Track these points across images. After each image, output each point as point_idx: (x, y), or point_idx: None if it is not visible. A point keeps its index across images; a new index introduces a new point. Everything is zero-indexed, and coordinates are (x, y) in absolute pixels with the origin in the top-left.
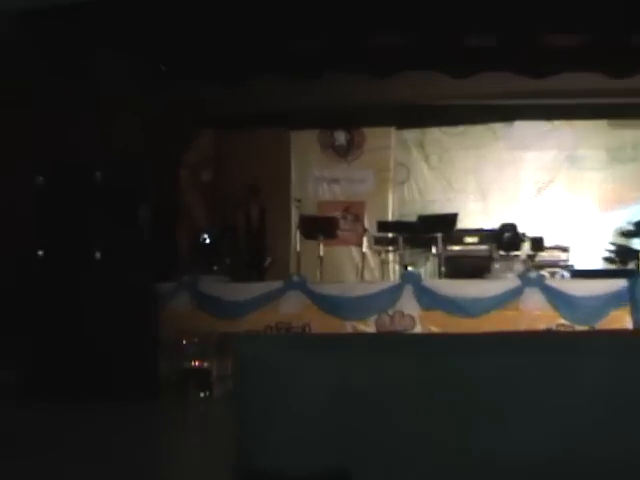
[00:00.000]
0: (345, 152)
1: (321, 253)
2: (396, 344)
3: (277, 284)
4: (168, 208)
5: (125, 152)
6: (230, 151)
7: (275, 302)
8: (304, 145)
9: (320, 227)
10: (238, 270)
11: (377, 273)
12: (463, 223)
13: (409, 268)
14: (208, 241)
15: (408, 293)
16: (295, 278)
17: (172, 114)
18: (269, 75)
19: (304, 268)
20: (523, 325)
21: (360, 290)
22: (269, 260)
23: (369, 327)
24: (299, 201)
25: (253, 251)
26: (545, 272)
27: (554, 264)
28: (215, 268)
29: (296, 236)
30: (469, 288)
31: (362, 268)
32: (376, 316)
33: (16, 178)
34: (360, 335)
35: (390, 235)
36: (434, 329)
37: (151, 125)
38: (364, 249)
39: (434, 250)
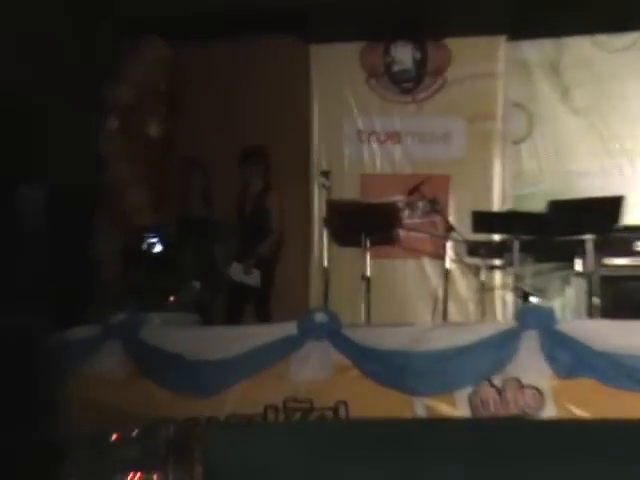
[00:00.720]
0: (412, 85)
1: (367, 271)
2: None
3: (287, 329)
4: (80, 189)
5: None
6: (201, 81)
7: (283, 363)
8: (335, 71)
9: (365, 223)
10: (213, 302)
11: (472, 308)
12: (634, 216)
13: (532, 299)
14: (158, 249)
15: (531, 346)
16: (319, 317)
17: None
18: None
19: (336, 299)
20: None
21: (440, 340)
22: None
23: (458, 409)
24: (326, 175)
25: (247, 268)
26: None
27: None
28: (171, 299)
29: (321, 239)
30: None
31: (444, 299)
32: (471, 388)
33: None
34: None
35: (496, 238)
36: (579, 412)
37: (44, 38)
38: (448, 263)
39: (579, 266)
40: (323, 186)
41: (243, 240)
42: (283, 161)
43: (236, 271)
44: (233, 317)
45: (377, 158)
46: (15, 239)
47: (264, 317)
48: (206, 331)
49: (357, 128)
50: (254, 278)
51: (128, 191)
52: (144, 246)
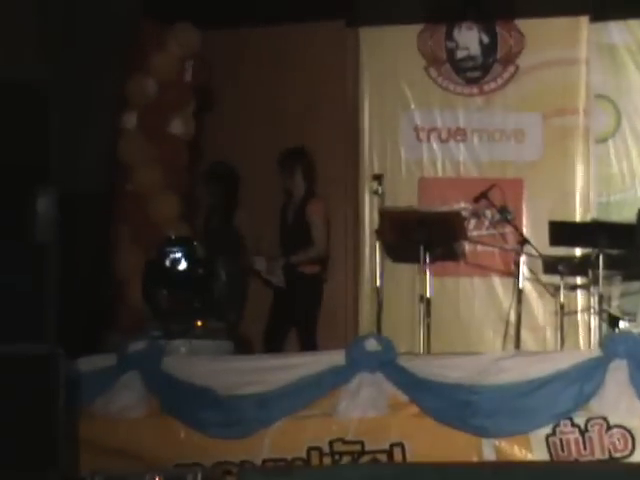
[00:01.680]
0: (479, 74)
1: (427, 291)
2: None
3: (333, 358)
4: (94, 197)
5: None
6: (233, 73)
7: (330, 398)
8: (389, 59)
9: (425, 235)
10: (242, 327)
11: (549, 334)
12: None
13: (621, 323)
14: (183, 266)
15: (619, 378)
16: (371, 345)
17: None
18: None
19: (390, 324)
20: None
21: (512, 371)
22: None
23: (534, 451)
24: (379, 180)
25: (270, 267)
26: None
27: None
28: (199, 324)
29: (373, 254)
30: None
31: (517, 323)
32: (549, 428)
33: None
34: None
35: (578, 252)
36: None
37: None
38: (521, 282)
39: None
40: (375, 192)
41: (284, 255)
42: (328, 164)
43: (260, 265)
44: (272, 345)
45: (438, 159)
46: (20, 253)
47: (307, 344)
48: (240, 361)
49: (415, 125)
50: (277, 278)
51: (152, 200)
52: (167, 262)
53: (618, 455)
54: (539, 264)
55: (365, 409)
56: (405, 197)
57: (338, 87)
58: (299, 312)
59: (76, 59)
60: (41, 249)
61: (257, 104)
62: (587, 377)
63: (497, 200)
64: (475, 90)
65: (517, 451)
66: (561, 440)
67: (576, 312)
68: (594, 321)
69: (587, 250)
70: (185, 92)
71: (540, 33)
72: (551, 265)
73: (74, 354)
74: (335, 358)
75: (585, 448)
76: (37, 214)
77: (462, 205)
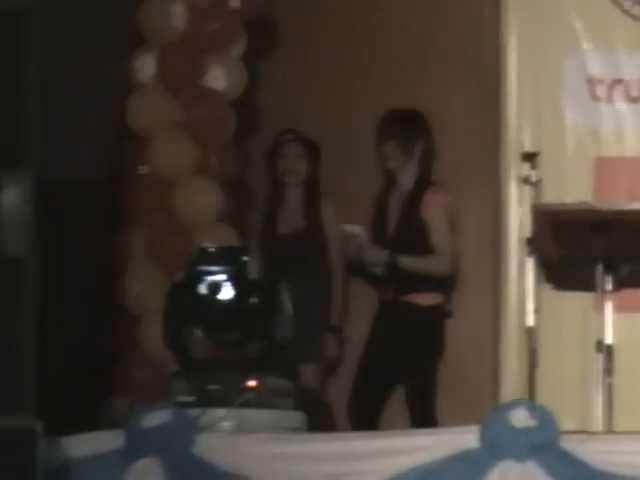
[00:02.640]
0: None
1: (607, 334)
2: None
3: (462, 438)
4: (89, 185)
5: None
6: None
7: None
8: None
9: (607, 246)
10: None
11: None
12: None
13: None
14: (228, 293)
15: None
16: (519, 418)
17: None
18: None
19: (550, 384)
20: None
21: None
22: None
23: None
24: (532, 161)
25: (398, 326)
26: None
27: None
28: (251, 384)
29: (522, 274)
30: None
31: None
32: None
33: None
34: None
35: None
36: None
37: None
38: None
39: None
40: (526, 181)
41: (384, 276)
42: (449, 138)
43: (357, 236)
44: (364, 413)
45: (626, 128)
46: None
47: (422, 415)
48: (319, 443)
49: (588, 75)
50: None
51: (179, 188)
52: (202, 287)
53: None
54: None
55: None
56: (574, 188)
57: (467, 20)
58: (410, 363)
59: None
60: (11, 265)
61: (342, 47)
62: None
63: None
64: None
65: None
66: None
67: None
68: None
69: None
70: (231, 25)
71: None
72: None
73: (61, 430)
74: (464, 438)
75: None
76: (3, 214)
77: None
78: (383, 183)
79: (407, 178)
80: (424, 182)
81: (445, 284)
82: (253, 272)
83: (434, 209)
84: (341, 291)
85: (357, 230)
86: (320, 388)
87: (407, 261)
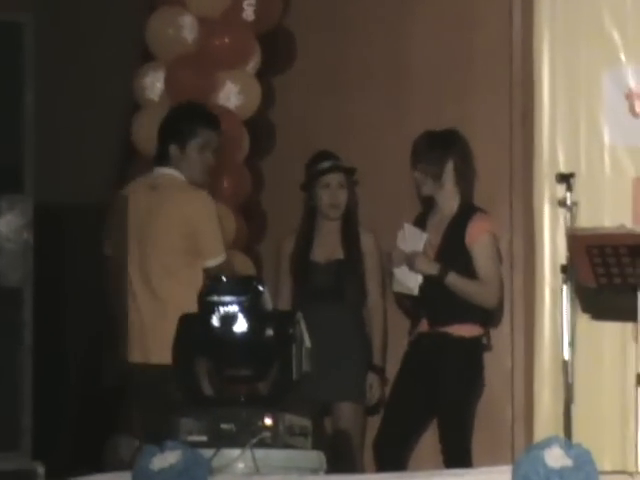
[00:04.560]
0: None
1: None
2: None
3: (493, 478)
4: (91, 208)
5: None
6: (328, 9)
7: None
8: None
9: None
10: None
11: None
12: None
13: None
14: (242, 326)
15: None
16: (555, 457)
17: None
18: None
19: (587, 422)
20: None
21: None
22: None
23: None
24: (567, 182)
25: (432, 358)
26: None
27: None
28: (267, 422)
29: (556, 305)
30: None
31: None
32: None
33: None
34: None
35: None
36: None
37: None
38: None
39: None
40: (560, 203)
41: (420, 305)
42: (481, 159)
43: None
44: (390, 450)
45: None
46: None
47: (455, 453)
48: None
49: (628, 89)
50: (413, 281)
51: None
52: (215, 320)
53: None
54: None
55: None
56: (611, 210)
57: (498, 37)
58: (447, 397)
59: None
60: (9, 295)
61: (366, 60)
62: None
63: None
64: None
65: None
66: None
67: None
68: None
69: None
70: (244, 39)
71: None
72: None
73: (63, 472)
74: (496, 479)
75: None
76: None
77: None
78: (422, 208)
79: (446, 202)
80: (468, 207)
81: (486, 315)
82: (268, 303)
83: (481, 236)
84: (382, 327)
85: (419, 233)
86: (359, 429)
87: (456, 279)
